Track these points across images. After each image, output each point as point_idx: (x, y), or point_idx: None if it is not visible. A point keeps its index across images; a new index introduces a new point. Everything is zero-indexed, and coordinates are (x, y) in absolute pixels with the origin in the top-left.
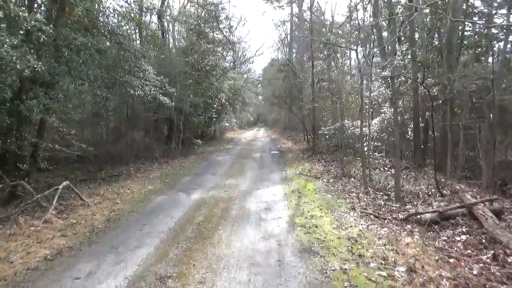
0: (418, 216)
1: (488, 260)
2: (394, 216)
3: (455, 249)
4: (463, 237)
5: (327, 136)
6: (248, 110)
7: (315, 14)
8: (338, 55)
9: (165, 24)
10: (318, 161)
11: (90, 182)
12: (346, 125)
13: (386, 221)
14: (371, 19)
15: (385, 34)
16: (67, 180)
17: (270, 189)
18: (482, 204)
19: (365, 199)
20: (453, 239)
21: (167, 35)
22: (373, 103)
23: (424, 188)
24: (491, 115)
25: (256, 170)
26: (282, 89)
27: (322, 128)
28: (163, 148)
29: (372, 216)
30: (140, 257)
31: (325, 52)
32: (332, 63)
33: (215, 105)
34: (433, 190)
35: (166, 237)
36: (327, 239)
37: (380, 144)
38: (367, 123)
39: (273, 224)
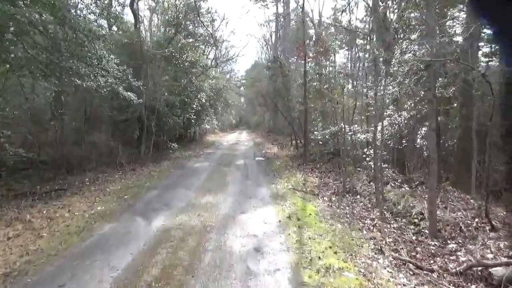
0: (480, 268)
1: None
2: (441, 264)
3: None
4: None
5: (320, 142)
6: (231, 112)
7: (301, 15)
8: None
9: (139, 12)
10: (312, 171)
11: (29, 197)
12: (345, 129)
13: (436, 277)
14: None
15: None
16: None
17: (259, 212)
18: None
19: (386, 229)
20: None
21: (138, 25)
22: (378, 104)
23: (462, 216)
24: None
25: (240, 183)
26: (269, 88)
27: (315, 132)
28: (131, 153)
29: (411, 266)
30: None
31: (317, 48)
32: (324, 61)
33: (194, 105)
34: (476, 220)
35: None
36: None
37: (385, 152)
38: (380, 127)
39: (269, 286)
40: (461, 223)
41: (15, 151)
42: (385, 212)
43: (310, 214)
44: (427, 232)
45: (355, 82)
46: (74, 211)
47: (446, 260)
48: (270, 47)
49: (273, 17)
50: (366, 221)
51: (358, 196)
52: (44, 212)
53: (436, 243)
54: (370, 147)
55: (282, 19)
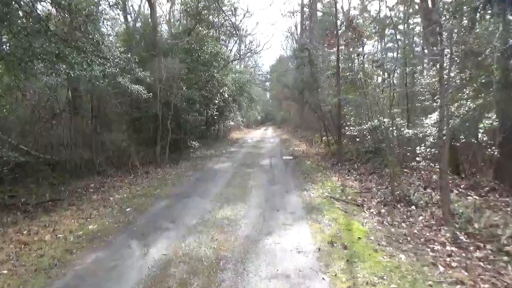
0: None
1: None
2: None
3: None
4: None
5: (357, 139)
6: (256, 108)
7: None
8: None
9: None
10: (349, 173)
11: (20, 209)
12: (392, 123)
13: None
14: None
15: None
16: None
17: (290, 233)
18: None
19: (467, 262)
20: None
21: (154, 15)
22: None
23: None
24: None
25: (265, 189)
26: (297, 80)
27: (351, 128)
28: (146, 154)
29: None
30: None
31: (349, 34)
32: (357, 48)
33: (216, 101)
34: None
35: None
36: None
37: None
38: (445, 119)
39: None
40: None
41: (10, 155)
42: (457, 233)
43: (359, 237)
44: None
45: (385, 74)
46: (59, 232)
47: None
48: (295, 39)
49: (298, 8)
50: (435, 247)
51: (413, 207)
52: (24, 232)
53: None
54: (423, 144)
55: (307, 10)
